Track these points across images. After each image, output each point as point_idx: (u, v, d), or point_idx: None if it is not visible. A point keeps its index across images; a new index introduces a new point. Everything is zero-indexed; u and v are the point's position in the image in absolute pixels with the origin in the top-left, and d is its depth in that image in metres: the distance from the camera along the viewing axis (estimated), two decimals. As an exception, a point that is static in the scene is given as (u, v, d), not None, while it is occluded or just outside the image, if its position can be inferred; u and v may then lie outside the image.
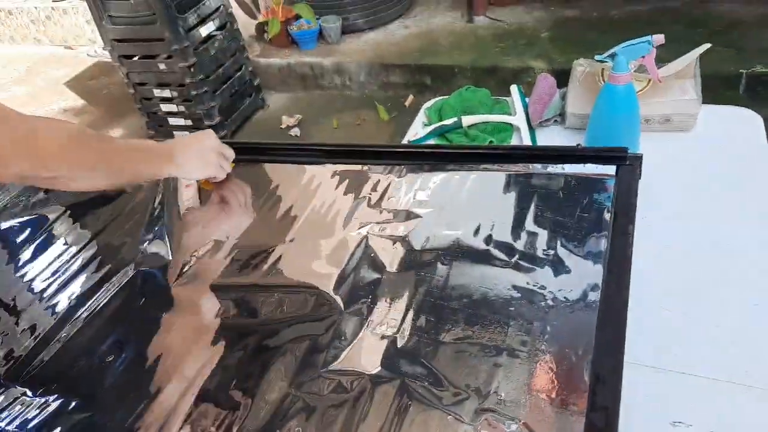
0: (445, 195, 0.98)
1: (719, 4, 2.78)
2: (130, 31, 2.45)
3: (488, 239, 0.87)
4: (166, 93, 2.65)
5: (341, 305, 0.81)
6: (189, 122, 2.74)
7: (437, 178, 1.03)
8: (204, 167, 0.98)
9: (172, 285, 0.92)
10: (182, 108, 2.69)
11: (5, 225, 1.09)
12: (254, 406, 0.71)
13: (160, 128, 2.85)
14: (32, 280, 0.99)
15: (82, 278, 0.95)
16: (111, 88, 3.65)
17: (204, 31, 2.53)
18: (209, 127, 2.67)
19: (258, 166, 1.16)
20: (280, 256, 0.92)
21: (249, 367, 0.76)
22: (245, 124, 2.93)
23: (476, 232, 0.89)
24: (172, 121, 2.78)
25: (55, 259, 1.00)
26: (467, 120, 1.23)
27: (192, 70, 2.50)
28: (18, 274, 1.00)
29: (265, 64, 3.09)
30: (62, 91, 3.73)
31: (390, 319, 0.79)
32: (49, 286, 0.96)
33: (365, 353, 0.74)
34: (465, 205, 0.95)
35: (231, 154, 1.03)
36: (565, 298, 0.76)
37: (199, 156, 0.97)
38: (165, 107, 2.73)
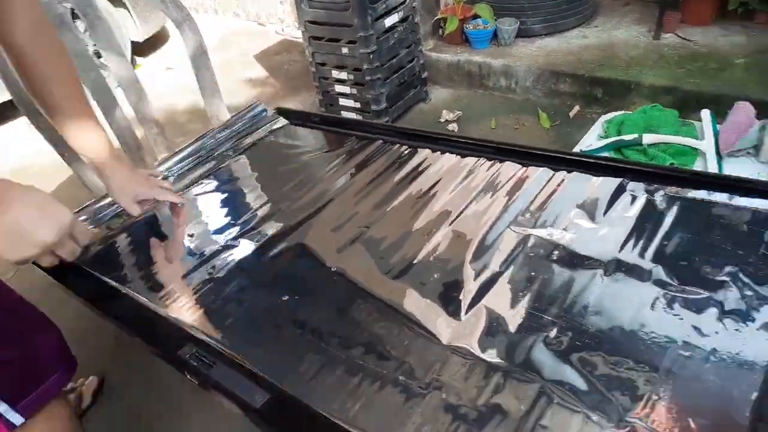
0: (611, 211, 0.99)
1: None
2: (324, 15, 2.68)
3: (656, 259, 0.87)
4: (343, 75, 2.86)
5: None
6: (357, 104, 2.93)
7: (606, 191, 1.03)
8: (13, 251, 0.68)
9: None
10: (354, 91, 2.89)
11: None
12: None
13: (330, 107, 3.08)
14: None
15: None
16: (291, 65, 4.01)
17: (388, 21, 2.68)
18: (375, 112, 2.84)
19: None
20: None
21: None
22: (406, 114, 3.06)
23: (642, 250, 0.89)
24: (342, 101, 2.99)
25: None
26: (649, 138, 1.20)
27: (371, 57, 2.66)
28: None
29: (435, 58, 3.19)
30: (251, 63, 4.16)
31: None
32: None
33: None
34: (633, 224, 0.95)
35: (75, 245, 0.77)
36: (736, 329, 0.74)
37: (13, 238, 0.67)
38: (339, 88, 2.94)
